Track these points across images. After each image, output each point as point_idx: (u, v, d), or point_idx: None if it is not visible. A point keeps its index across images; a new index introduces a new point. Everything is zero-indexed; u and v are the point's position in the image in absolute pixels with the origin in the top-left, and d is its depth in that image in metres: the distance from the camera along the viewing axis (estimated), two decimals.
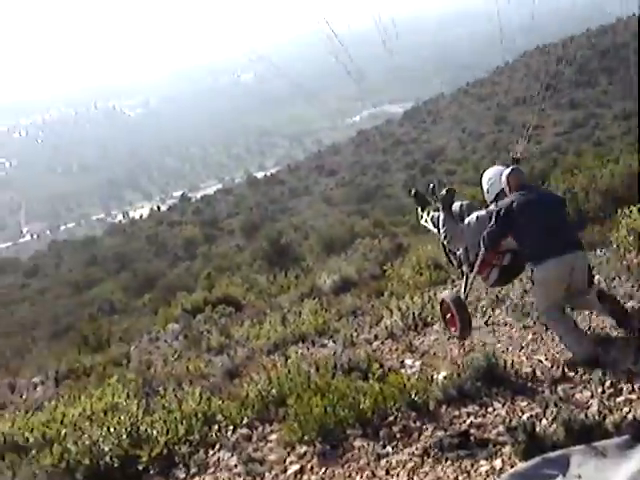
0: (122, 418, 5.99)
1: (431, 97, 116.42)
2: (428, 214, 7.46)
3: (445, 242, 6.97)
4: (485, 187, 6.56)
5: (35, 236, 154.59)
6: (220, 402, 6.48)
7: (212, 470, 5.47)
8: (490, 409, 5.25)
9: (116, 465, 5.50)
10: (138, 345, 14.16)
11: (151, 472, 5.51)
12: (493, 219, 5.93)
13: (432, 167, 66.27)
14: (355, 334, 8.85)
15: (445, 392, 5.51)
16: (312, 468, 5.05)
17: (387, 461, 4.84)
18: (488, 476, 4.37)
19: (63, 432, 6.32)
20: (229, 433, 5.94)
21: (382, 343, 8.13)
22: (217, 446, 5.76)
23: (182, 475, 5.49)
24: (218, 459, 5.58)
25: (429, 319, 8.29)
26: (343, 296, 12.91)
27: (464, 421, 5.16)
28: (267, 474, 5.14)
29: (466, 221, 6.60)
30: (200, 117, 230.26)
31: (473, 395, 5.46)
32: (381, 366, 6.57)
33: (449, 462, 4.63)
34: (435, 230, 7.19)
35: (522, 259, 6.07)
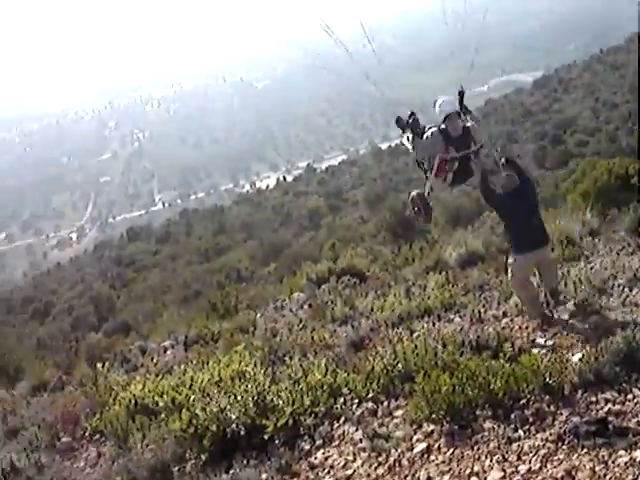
0: (249, 386, 6.04)
1: (563, 65, 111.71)
2: (407, 137, 8.86)
3: (415, 154, 8.59)
4: (437, 110, 8.02)
5: (167, 205, 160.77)
6: (345, 374, 6.43)
7: (337, 443, 5.44)
8: (630, 396, 4.93)
9: (242, 433, 5.57)
10: (264, 313, 14.33)
11: (276, 442, 5.53)
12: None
13: (563, 138, 63.65)
14: (483, 310, 8.57)
15: (581, 376, 5.22)
16: (439, 448, 4.92)
17: (519, 445, 4.64)
18: (627, 468, 4.10)
19: (192, 398, 6.45)
20: (354, 406, 5.89)
21: (511, 320, 7.81)
22: (342, 419, 5.73)
23: (307, 447, 5.49)
24: (343, 432, 5.54)
25: (562, 297, 7.88)
26: (469, 270, 12.53)
27: (601, 408, 4.88)
28: (393, 451, 5.04)
29: (424, 137, 8.14)
30: (325, 88, 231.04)
31: (611, 380, 5.15)
32: (512, 345, 6.34)
33: (585, 450, 4.38)
34: (409, 146, 8.75)
35: (467, 167, 7.90)
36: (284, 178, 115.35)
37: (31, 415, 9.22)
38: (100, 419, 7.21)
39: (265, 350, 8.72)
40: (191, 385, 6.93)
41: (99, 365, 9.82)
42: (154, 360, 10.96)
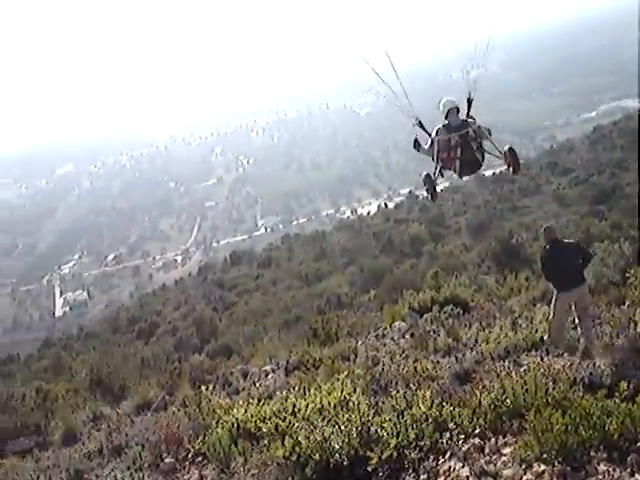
0: (353, 416, 5.95)
1: None
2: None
3: (426, 148, 10.07)
4: (441, 108, 9.58)
5: (269, 229, 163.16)
6: (451, 408, 6.25)
7: (442, 479, 5.27)
8: None
9: (345, 464, 5.47)
10: (365, 341, 14.24)
11: (380, 474, 5.42)
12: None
13: None
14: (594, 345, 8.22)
15: None
16: None
17: None
18: None
19: (295, 425, 6.41)
20: (460, 442, 5.70)
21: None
22: (448, 454, 5.55)
23: None
24: (449, 468, 5.36)
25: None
26: None
27: None
28: None
29: (432, 133, 9.70)
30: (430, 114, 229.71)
31: None
32: (628, 383, 6.01)
33: None
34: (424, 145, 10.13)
35: (476, 153, 9.43)
36: (385, 205, 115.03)
37: (135, 434, 9.41)
38: (203, 442, 7.27)
39: (367, 379, 8.62)
40: (293, 412, 6.89)
41: (203, 388, 9.93)
42: (255, 384, 11.05)
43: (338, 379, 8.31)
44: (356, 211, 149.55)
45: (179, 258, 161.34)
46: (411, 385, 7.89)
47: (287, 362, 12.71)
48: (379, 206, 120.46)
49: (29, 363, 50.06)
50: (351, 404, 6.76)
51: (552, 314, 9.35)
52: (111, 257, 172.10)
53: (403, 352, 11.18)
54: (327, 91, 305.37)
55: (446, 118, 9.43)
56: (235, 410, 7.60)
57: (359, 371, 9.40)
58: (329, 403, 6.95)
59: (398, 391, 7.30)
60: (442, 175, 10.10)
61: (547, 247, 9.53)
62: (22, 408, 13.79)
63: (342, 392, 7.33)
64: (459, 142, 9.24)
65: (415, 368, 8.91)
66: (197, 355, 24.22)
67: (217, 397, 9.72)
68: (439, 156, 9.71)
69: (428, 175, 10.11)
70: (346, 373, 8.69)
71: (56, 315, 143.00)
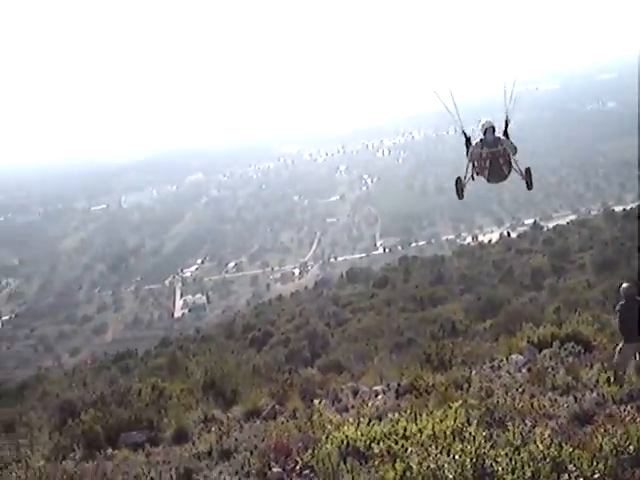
0: (467, 447, 5.80)
1: None
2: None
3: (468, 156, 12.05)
4: (480, 127, 11.38)
5: (387, 250, 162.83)
6: (570, 449, 5.98)
7: None
8: None
9: None
10: (479, 371, 13.94)
11: None
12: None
13: None
14: None
15: None
16: None
17: None
18: None
19: (408, 449, 6.31)
20: None
21: None
22: None
23: None
24: None
25: None
26: None
27: None
28: None
29: (472, 144, 11.87)
30: (559, 143, 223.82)
31: None
32: None
33: None
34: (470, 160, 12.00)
35: (503, 167, 11.47)
36: (508, 233, 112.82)
37: (244, 439, 9.56)
38: (312, 455, 7.27)
39: (481, 410, 8.41)
40: (404, 435, 6.79)
41: (315, 401, 9.97)
42: (366, 403, 10.98)
43: (451, 407, 8.14)
44: (477, 238, 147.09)
45: (297, 271, 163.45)
46: (527, 421, 7.63)
47: (398, 384, 12.59)
48: (501, 234, 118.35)
49: (146, 359, 51.94)
50: (466, 434, 6.60)
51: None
52: (232, 264, 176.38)
53: (520, 386, 10.85)
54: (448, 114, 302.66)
55: (484, 135, 11.44)
56: (346, 427, 7.57)
57: (473, 401, 9.19)
58: (442, 431, 6.80)
59: (514, 426, 7.07)
60: (473, 178, 12.30)
61: (622, 303, 11.01)
62: (137, 403, 14.27)
63: (455, 421, 7.17)
64: (489, 155, 11.33)
65: (532, 404, 8.64)
66: (308, 368, 24.41)
67: (327, 412, 9.73)
68: (472, 164, 11.97)
69: (459, 178, 12.42)
70: (460, 402, 8.50)
71: (175, 316, 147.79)
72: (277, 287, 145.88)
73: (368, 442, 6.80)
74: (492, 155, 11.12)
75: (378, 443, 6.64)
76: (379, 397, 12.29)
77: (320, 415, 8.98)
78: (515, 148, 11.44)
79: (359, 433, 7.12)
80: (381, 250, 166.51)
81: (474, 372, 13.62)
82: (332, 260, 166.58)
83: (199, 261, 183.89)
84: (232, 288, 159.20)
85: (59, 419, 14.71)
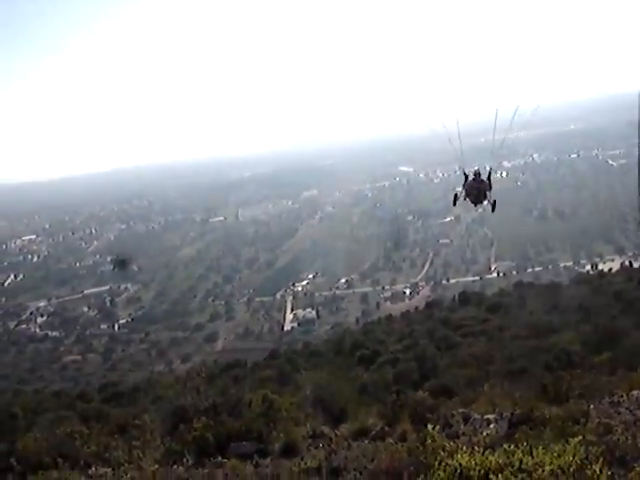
0: None
1: None
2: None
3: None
4: (472, 171, 17.18)
5: (502, 274, 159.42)
6: None
7: None
8: None
9: None
10: (597, 405, 13.39)
11: None
12: None
13: None
14: None
15: None
16: None
17: None
18: None
19: None
20: None
21: None
22: None
23: None
24: None
25: None
26: None
27: None
28: None
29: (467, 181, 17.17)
30: None
31: None
32: None
33: None
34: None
35: (481, 196, 17.23)
36: (630, 263, 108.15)
37: (353, 459, 9.51)
38: None
39: (601, 447, 8.04)
40: (520, 468, 6.57)
41: (429, 426, 9.82)
42: (478, 431, 10.73)
43: (569, 442, 7.82)
44: (597, 266, 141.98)
45: (408, 291, 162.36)
46: None
47: (512, 414, 12.23)
48: (622, 264, 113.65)
49: (255, 370, 52.77)
50: (588, 472, 6.31)
51: None
52: (343, 281, 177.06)
53: None
54: (576, 137, 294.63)
55: (474, 176, 16.79)
56: (459, 455, 7.39)
57: (591, 437, 8.81)
58: (560, 467, 6.53)
59: (637, 466, 6.73)
60: (465, 199, 17.11)
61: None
62: (248, 413, 14.47)
63: (574, 457, 6.88)
64: (473, 188, 16.31)
65: None
66: (417, 391, 24.13)
67: (438, 438, 9.55)
68: (465, 191, 16.84)
69: (456, 193, 17.14)
70: (579, 438, 8.15)
71: (284, 329, 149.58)
72: (387, 306, 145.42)
73: (483, 472, 6.61)
74: (477, 189, 16.35)
75: (494, 474, 6.45)
76: (491, 426, 11.98)
77: (433, 440, 8.81)
78: (491, 187, 17.19)
79: (473, 462, 6.93)
80: (495, 274, 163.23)
81: (592, 406, 13.09)
82: (444, 282, 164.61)
83: (311, 276, 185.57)
84: (342, 305, 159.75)
85: (171, 424, 15.09)
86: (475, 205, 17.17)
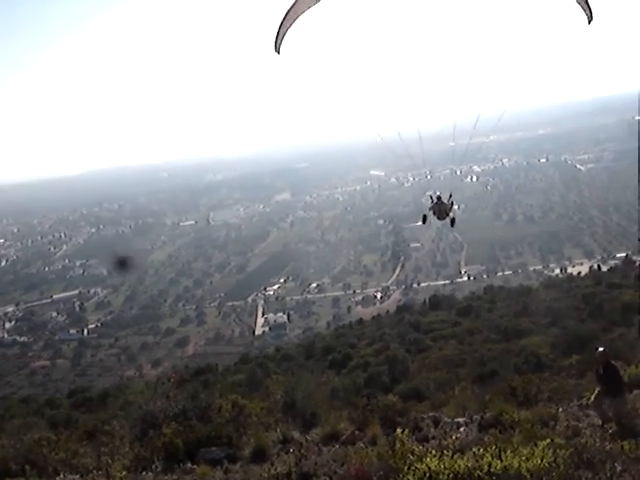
0: None
1: None
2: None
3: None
4: (434, 196, 18.43)
5: (472, 278, 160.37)
6: None
7: None
8: None
9: None
10: (566, 409, 13.49)
11: None
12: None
13: None
14: None
15: None
16: None
17: None
18: None
19: None
20: None
21: None
22: None
23: None
24: None
25: None
26: None
27: None
28: None
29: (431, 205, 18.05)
30: None
31: None
32: None
33: None
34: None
35: (444, 214, 18.71)
36: (598, 267, 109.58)
37: (323, 463, 9.47)
38: None
39: (569, 450, 8.08)
40: (489, 472, 6.58)
41: (398, 430, 9.80)
42: (448, 435, 10.75)
43: (537, 445, 7.85)
44: (566, 270, 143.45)
45: (379, 295, 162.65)
46: (617, 464, 7.29)
47: (481, 417, 12.29)
48: (591, 267, 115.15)
49: (225, 375, 52.56)
50: (554, 475, 6.34)
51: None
52: (314, 285, 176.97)
53: (610, 427, 10.42)
54: (545, 142, 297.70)
55: (437, 199, 18.41)
56: (428, 459, 7.39)
57: (559, 440, 8.86)
58: (528, 470, 6.55)
59: (604, 469, 6.78)
60: (432, 215, 18.80)
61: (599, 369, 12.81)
62: (218, 419, 14.36)
63: (542, 460, 6.91)
64: (436, 208, 18.21)
65: (622, 447, 8.24)
66: (387, 394, 24.17)
67: (407, 441, 9.54)
68: (433, 211, 18.33)
69: (425, 214, 18.78)
70: (548, 441, 8.18)
71: (255, 333, 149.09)
72: (358, 310, 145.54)
73: (452, 476, 6.61)
74: (439, 208, 18.30)
75: (463, 478, 6.45)
76: (461, 429, 12.02)
77: (402, 444, 8.79)
78: (452, 207, 19.12)
79: (442, 466, 6.92)
80: (465, 278, 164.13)
81: (561, 409, 13.20)
82: (415, 285, 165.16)
83: (282, 280, 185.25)
84: (313, 309, 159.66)
85: (140, 430, 14.93)
86: (439, 220, 19.44)
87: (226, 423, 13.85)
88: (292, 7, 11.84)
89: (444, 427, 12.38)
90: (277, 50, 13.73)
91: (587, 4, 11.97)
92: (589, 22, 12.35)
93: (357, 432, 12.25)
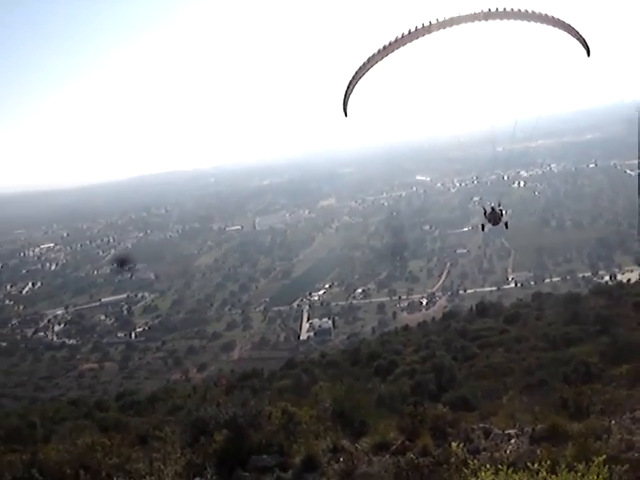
0: None
1: None
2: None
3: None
4: (487, 207, 20.52)
5: (519, 284, 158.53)
6: None
7: None
8: None
9: None
10: (619, 421, 13.28)
11: None
12: None
13: None
14: None
15: None
16: None
17: None
18: None
19: None
20: None
21: None
22: None
23: None
24: None
25: None
26: None
27: None
28: None
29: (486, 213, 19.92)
30: None
31: None
32: None
33: None
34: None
35: (498, 220, 20.72)
36: None
37: (374, 473, 9.49)
38: None
39: (623, 465, 8.00)
40: None
41: (454, 444, 9.79)
42: (499, 447, 10.69)
43: (593, 461, 7.77)
44: (615, 277, 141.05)
45: (424, 301, 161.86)
46: None
47: (533, 429, 12.17)
48: None
49: (271, 380, 52.79)
50: None
51: None
52: (359, 291, 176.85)
53: None
54: (593, 147, 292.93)
55: (491, 209, 20.15)
56: (483, 473, 7.36)
57: (614, 454, 8.76)
58: None
59: None
60: (488, 223, 20.37)
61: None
62: (268, 426, 14.46)
63: (598, 476, 6.85)
64: (491, 217, 19.86)
65: None
66: (435, 403, 24.05)
67: (460, 453, 9.52)
68: (488, 219, 19.96)
69: (482, 223, 20.55)
70: (604, 456, 8.09)
71: (300, 338, 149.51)
72: (404, 316, 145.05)
73: None
74: (494, 216, 19.90)
75: None
76: (512, 441, 11.93)
77: (457, 457, 8.78)
78: (502, 214, 20.82)
79: None
80: (513, 284, 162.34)
81: (613, 422, 12.99)
82: (461, 292, 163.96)
83: (327, 286, 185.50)
84: (358, 314, 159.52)
85: (191, 436, 15.10)
86: (494, 225, 21.21)
87: (277, 431, 13.95)
88: (359, 70, 12.78)
89: (495, 439, 12.27)
90: (345, 113, 16.02)
91: (583, 39, 13.79)
92: (588, 55, 14.06)
93: (407, 442, 12.25)
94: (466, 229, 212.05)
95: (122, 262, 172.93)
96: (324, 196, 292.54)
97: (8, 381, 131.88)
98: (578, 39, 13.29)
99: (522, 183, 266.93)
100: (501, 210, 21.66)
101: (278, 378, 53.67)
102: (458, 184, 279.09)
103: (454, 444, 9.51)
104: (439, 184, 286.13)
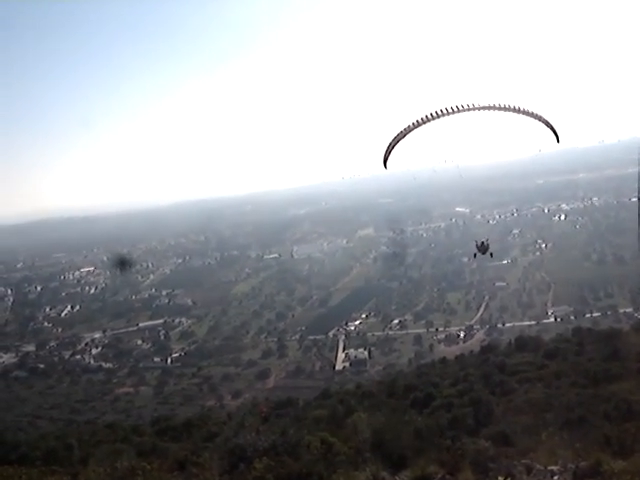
0: None
1: None
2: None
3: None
4: (479, 241, 27.50)
5: (559, 319, 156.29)
6: None
7: None
8: None
9: None
10: None
11: None
12: None
13: None
14: None
15: None
16: None
17: None
18: None
19: None
20: None
21: None
22: None
23: None
24: None
25: None
26: None
27: None
28: None
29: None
30: None
31: None
32: None
33: None
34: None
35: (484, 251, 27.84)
36: None
37: None
38: None
39: None
40: None
41: (500, 478, 9.71)
42: None
43: None
44: None
45: (462, 334, 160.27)
46: None
47: (576, 466, 12.00)
48: None
49: (306, 409, 52.62)
50: None
51: None
52: (396, 322, 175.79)
53: None
54: (635, 180, 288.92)
55: (481, 243, 25.00)
56: None
57: None
58: None
59: None
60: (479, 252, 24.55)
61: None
62: (307, 455, 14.47)
63: None
64: (481, 248, 24.69)
65: None
66: (473, 437, 23.80)
67: None
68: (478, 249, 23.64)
69: (475, 252, 24.91)
70: None
71: (336, 368, 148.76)
72: (441, 348, 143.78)
73: None
74: (482, 247, 23.14)
75: None
76: (555, 478, 11.77)
77: None
78: (488, 247, 25.83)
79: None
80: (552, 319, 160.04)
81: None
82: (500, 325, 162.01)
83: (364, 316, 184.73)
84: (394, 345, 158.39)
85: (229, 463, 15.16)
86: (483, 254, 25.80)
87: (316, 460, 13.94)
88: (401, 133, 14.72)
89: (537, 475, 12.12)
90: (385, 166, 20.05)
91: (554, 130, 18.23)
92: (557, 141, 18.44)
93: (448, 476, 12.14)
94: (505, 262, 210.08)
95: (122, 262, 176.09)
96: (362, 226, 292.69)
97: (44, 403, 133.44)
98: (550, 129, 17.01)
99: (563, 216, 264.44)
100: (488, 244, 26.87)
101: (313, 407, 53.44)
102: (497, 216, 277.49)
103: (500, 478, 9.42)
104: (479, 216, 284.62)
